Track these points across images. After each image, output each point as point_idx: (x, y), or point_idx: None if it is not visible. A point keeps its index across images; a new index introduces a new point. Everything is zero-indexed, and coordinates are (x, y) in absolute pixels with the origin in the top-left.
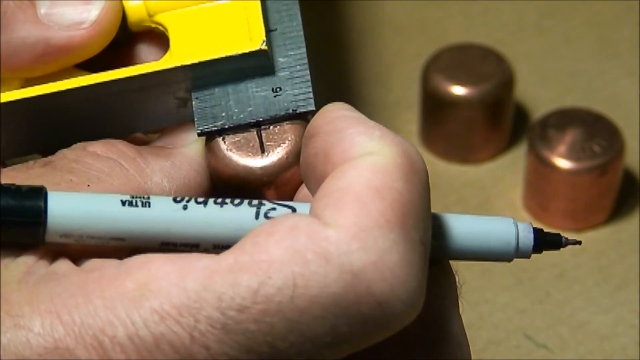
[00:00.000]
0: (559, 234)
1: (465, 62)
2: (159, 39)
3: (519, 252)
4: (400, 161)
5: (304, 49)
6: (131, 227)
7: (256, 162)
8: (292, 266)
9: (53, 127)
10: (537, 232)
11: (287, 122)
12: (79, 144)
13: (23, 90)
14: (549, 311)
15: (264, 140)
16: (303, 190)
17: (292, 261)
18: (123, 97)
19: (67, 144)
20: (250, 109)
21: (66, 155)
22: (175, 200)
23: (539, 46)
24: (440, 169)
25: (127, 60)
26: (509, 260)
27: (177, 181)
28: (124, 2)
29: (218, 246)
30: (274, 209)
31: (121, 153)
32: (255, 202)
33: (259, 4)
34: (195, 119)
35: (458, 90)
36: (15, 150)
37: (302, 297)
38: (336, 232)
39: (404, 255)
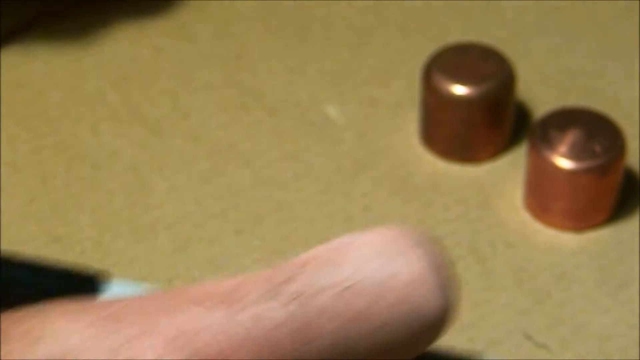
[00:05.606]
0: None
1: (465, 62)
2: None
3: None
4: None
5: None
6: None
7: None
8: None
9: None
10: None
11: None
12: None
13: None
14: (549, 311)
15: None
16: None
17: None
18: None
19: None
20: None
21: None
22: None
23: (539, 46)
24: (440, 169)
25: None
26: None
27: None
28: None
29: None
30: None
31: None
32: None
33: None
34: None
35: (459, 90)
36: None
37: None
38: None
39: None
